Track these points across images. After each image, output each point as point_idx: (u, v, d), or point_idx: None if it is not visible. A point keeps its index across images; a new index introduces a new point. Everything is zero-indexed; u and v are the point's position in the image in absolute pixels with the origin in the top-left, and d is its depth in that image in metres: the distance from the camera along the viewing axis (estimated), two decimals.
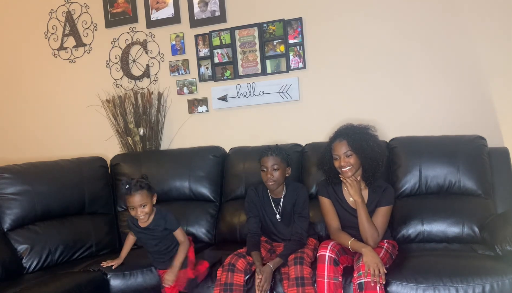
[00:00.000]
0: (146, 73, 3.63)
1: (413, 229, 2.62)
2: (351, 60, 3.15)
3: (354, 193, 2.36)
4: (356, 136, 2.39)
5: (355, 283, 2.13)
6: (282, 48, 3.26)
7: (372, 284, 2.07)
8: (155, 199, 2.47)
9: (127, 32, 3.66)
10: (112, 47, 3.71)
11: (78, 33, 3.79)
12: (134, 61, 3.67)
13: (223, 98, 3.42)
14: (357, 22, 3.12)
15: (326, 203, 2.50)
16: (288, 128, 3.30)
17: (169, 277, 2.36)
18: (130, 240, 2.66)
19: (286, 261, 2.35)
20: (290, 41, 3.25)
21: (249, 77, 3.36)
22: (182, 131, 3.56)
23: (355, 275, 2.15)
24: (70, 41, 3.82)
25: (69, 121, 3.87)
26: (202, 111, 3.51)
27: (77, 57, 3.82)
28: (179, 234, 2.48)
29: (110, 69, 3.72)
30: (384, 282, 2.08)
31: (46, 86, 3.92)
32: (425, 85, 3.03)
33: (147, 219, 2.44)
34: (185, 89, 3.53)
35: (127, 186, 2.37)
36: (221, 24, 3.40)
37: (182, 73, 3.54)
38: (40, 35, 3.89)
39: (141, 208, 2.39)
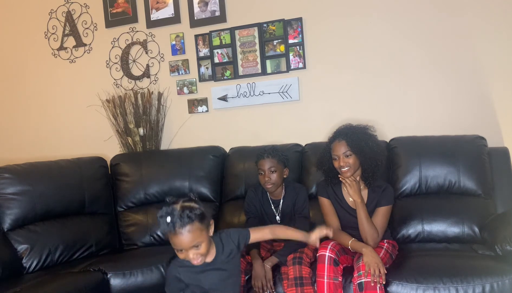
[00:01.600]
0: (146, 73, 3.63)
1: (413, 229, 2.62)
2: (351, 60, 3.15)
3: (353, 193, 2.36)
4: (355, 136, 2.40)
5: (355, 283, 2.13)
6: (282, 48, 3.26)
7: (372, 284, 2.07)
8: (212, 228, 1.72)
9: (127, 32, 3.66)
10: (112, 47, 3.71)
11: (78, 33, 3.79)
12: (134, 61, 3.67)
13: (223, 98, 3.42)
14: (357, 22, 3.12)
15: (325, 203, 2.50)
16: (288, 128, 3.30)
17: None
18: None
19: (285, 260, 2.35)
20: (290, 41, 3.25)
21: (249, 77, 3.36)
22: (182, 131, 3.56)
23: (355, 275, 2.15)
24: (70, 41, 3.82)
25: (69, 121, 3.87)
26: (202, 111, 3.51)
27: (77, 57, 3.82)
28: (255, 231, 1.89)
29: (110, 69, 3.72)
30: (384, 282, 2.08)
31: (46, 86, 3.92)
32: (425, 85, 3.03)
33: (205, 259, 1.70)
34: (185, 89, 3.53)
35: (168, 218, 1.59)
36: (221, 24, 3.40)
37: (182, 73, 3.54)
38: (40, 35, 3.89)
39: (194, 250, 1.64)
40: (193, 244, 1.62)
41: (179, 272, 1.71)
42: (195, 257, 1.64)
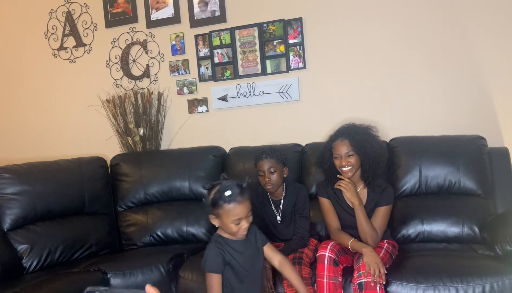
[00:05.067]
0: (146, 73, 3.63)
1: (413, 229, 2.62)
2: (351, 60, 3.15)
3: (350, 196, 2.36)
4: (358, 136, 2.39)
5: (355, 283, 2.13)
6: (282, 48, 3.26)
7: (372, 284, 2.07)
8: None
9: (127, 32, 3.66)
10: (112, 47, 3.71)
11: (78, 33, 3.79)
12: (134, 61, 3.67)
13: (223, 98, 3.42)
14: (357, 22, 3.12)
15: (325, 203, 2.50)
16: (288, 128, 3.30)
17: None
18: (219, 284, 1.85)
19: None
20: (290, 41, 3.25)
21: (249, 77, 3.36)
22: (182, 131, 3.56)
23: (355, 275, 2.15)
24: (70, 41, 3.82)
25: (69, 121, 3.87)
26: (202, 111, 3.51)
27: (77, 57, 3.82)
28: (271, 246, 2.02)
29: (110, 69, 3.72)
30: (384, 282, 2.08)
31: (46, 86, 3.92)
32: (425, 85, 3.03)
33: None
34: (185, 89, 3.53)
35: (227, 192, 1.80)
36: (221, 24, 3.40)
37: (182, 73, 3.54)
38: (40, 35, 3.89)
39: (247, 218, 1.85)
40: (248, 210, 1.83)
41: (224, 251, 1.85)
42: (247, 226, 1.83)
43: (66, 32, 3.82)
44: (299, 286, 1.96)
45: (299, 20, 3.22)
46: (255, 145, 3.15)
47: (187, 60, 3.51)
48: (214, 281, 1.83)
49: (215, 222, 1.89)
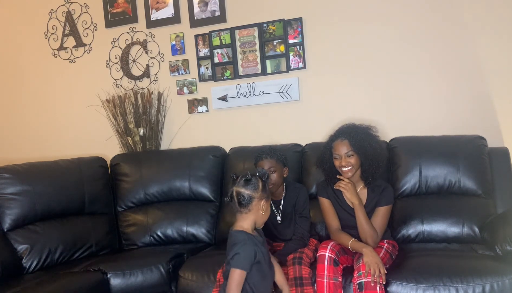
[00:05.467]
0: (146, 73, 3.63)
1: (413, 229, 2.62)
2: (351, 60, 3.15)
3: (350, 196, 2.36)
4: (358, 136, 2.39)
5: (355, 283, 2.13)
6: (282, 48, 3.26)
7: (372, 284, 2.07)
8: None
9: (127, 32, 3.66)
10: (112, 47, 3.71)
11: (78, 33, 3.79)
12: (134, 61, 3.67)
13: (223, 98, 3.42)
14: (357, 22, 3.12)
15: (325, 203, 2.50)
16: (288, 128, 3.30)
17: None
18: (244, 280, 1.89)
19: (285, 260, 2.35)
20: (290, 41, 3.25)
21: (249, 77, 3.36)
22: (182, 131, 3.56)
23: (355, 275, 2.15)
24: (70, 41, 3.82)
25: (69, 121, 3.87)
26: (202, 111, 3.51)
27: (77, 57, 3.82)
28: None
29: (110, 69, 3.73)
30: (384, 282, 2.08)
31: (46, 86, 3.92)
32: (425, 85, 3.03)
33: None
34: (185, 89, 3.53)
35: (265, 176, 2.03)
36: (221, 24, 3.40)
37: (182, 73, 3.54)
38: (40, 35, 3.89)
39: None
40: None
41: (257, 250, 1.90)
42: None
43: (66, 32, 3.82)
44: (283, 285, 2.10)
45: (299, 20, 3.22)
46: (255, 146, 3.15)
47: (187, 60, 3.51)
48: (243, 277, 1.86)
49: (264, 205, 1.96)
